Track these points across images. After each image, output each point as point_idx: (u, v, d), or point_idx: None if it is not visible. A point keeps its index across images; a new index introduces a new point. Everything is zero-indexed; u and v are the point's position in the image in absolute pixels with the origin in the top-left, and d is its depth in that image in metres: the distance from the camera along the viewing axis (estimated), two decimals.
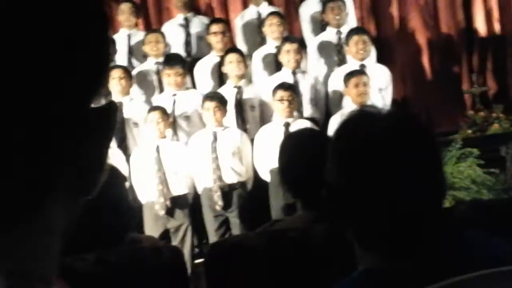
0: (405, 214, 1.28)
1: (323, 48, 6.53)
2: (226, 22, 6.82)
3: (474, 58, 7.68)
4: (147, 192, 5.54)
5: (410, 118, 1.36)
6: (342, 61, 6.39)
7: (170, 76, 6.06)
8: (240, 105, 6.04)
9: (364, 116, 1.37)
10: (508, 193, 5.00)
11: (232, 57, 6.07)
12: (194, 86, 6.49)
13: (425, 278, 1.25)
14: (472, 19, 7.73)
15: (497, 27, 7.66)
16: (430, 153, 1.33)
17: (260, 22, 6.93)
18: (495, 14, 7.67)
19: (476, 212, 2.09)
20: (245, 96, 6.08)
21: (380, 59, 6.59)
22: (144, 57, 6.82)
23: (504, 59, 7.66)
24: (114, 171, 2.27)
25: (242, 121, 6.02)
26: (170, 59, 6.26)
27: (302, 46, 6.21)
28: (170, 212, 5.51)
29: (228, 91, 6.01)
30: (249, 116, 6.06)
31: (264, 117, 6.04)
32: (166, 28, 7.16)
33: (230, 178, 5.56)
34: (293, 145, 2.37)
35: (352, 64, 6.11)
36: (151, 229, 5.45)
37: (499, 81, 7.44)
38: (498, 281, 1.16)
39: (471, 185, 5.29)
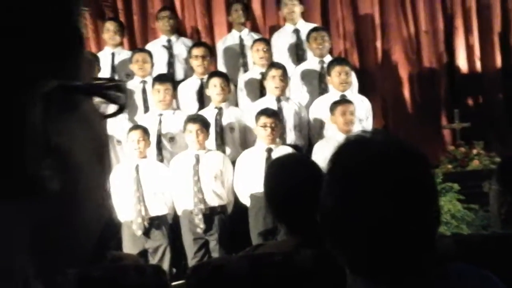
0: (398, 241, 1.27)
1: (305, 77, 6.58)
2: (207, 46, 6.86)
3: (455, 94, 7.76)
4: (126, 211, 5.49)
5: (405, 144, 1.36)
6: (324, 90, 6.43)
7: (160, 92, 6.08)
8: (220, 126, 6.04)
9: (360, 142, 1.37)
10: (486, 229, 5.02)
11: (216, 81, 6.09)
12: (177, 107, 6.48)
13: None
14: (453, 55, 7.83)
15: (478, 63, 7.77)
16: (425, 181, 1.33)
17: (241, 47, 6.99)
18: (476, 51, 7.78)
19: (460, 246, 2.09)
20: (225, 117, 6.09)
21: (362, 91, 6.64)
22: (127, 75, 6.82)
23: (484, 96, 7.76)
24: None
25: (221, 143, 6.02)
26: (161, 76, 6.34)
27: (286, 72, 6.25)
28: (148, 233, 5.48)
29: (209, 113, 6.03)
30: (228, 138, 6.07)
31: (245, 140, 6.05)
32: (149, 48, 7.18)
33: (212, 201, 5.54)
34: (279, 169, 2.36)
35: (333, 94, 6.14)
36: (129, 248, 5.39)
37: (479, 117, 7.51)
38: None
39: (451, 220, 5.30)
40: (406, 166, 1.30)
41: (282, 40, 7.06)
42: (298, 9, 7.05)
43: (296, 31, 6.98)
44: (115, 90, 0.60)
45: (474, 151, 6.36)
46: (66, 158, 0.55)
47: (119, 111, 0.61)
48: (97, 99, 0.60)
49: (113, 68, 7.00)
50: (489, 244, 2.15)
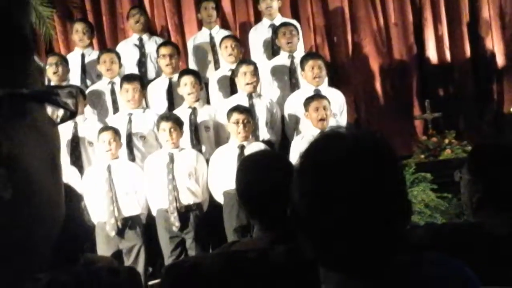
0: (368, 235, 1.27)
1: (276, 72, 6.58)
2: (174, 45, 6.83)
3: (426, 85, 7.82)
4: (99, 212, 5.47)
5: (374, 139, 1.36)
6: (295, 85, 6.44)
7: (128, 92, 6.05)
8: (195, 126, 6.02)
9: (330, 138, 1.37)
10: (460, 217, 5.07)
11: (186, 79, 6.07)
12: (147, 106, 6.44)
13: None
14: (423, 46, 7.89)
15: (447, 54, 7.83)
16: (393, 175, 1.33)
17: (212, 44, 6.97)
18: (446, 42, 7.84)
19: (432, 235, 2.10)
20: (199, 117, 6.07)
21: (334, 84, 6.66)
22: (98, 76, 6.78)
23: (454, 86, 7.82)
24: (69, 189, 2.22)
25: (197, 142, 6.00)
26: (129, 75, 6.30)
27: (257, 69, 6.24)
28: (122, 233, 5.45)
29: (183, 112, 6.00)
30: (204, 137, 6.05)
31: (219, 138, 6.04)
32: (121, 47, 7.14)
33: (187, 199, 5.52)
34: (252, 166, 2.35)
35: (306, 88, 6.15)
36: (103, 249, 5.38)
37: (449, 107, 7.58)
38: None
39: (425, 209, 5.35)
40: (374, 161, 1.30)
41: (258, 35, 7.08)
42: (275, 4, 7.05)
43: (273, 26, 6.97)
44: (65, 96, 0.60)
45: (446, 141, 6.42)
46: (17, 165, 0.55)
47: (71, 116, 0.61)
48: (49, 106, 0.59)
49: (83, 69, 6.95)
50: (461, 232, 2.17)
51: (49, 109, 0.60)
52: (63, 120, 0.61)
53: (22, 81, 0.57)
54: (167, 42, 6.99)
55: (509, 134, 6.79)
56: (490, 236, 2.09)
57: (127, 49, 7.08)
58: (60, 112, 0.60)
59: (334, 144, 1.33)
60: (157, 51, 6.67)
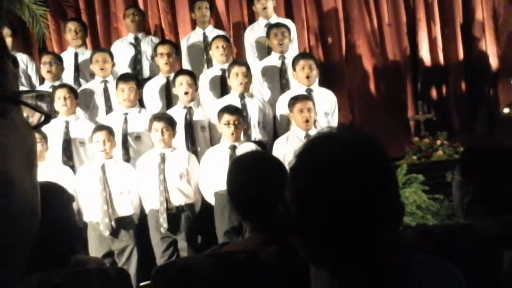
0: (356, 234, 1.28)
1: (267, 73, 6.58)
2: (173, 44, 6.82)
3: (419, 86, 7.84)
4: (92, 212, 5.45)
5: (365, 139, 1.36)
6: (285, 86, 6.44)
7: (124, 91, 6.04)
8: (190, 126, 6.01)
9: (323, 137, 1.38)
10: (451, 219, 5.08)
11: (182, 79, 6.05)
12: (142, 106, 6.43)
13: None
14: (417, 47, 7.90)
15: (440, 55, 7.85)
16: (383, 175, 1.34)
17: (205, 44, 6.97)
18: (439, 43, 7.86)
19: (423, 237, 2.10)
20: (195, 117, 6.06)
21: (328, 85, 6.65)
22: (91, 75, 6.77)
23: (447, 87, 7.84)
24: (60, 190, 2.21)
25: (192, 143, 5.98)
26: (125, 75, 6.28)
27: (249, 69, 6.23)
28: (115, 233, 5.43)
29: (177, 112, 5.98)
30: (200, 137, 6.04)
31: (215, 138, 6.02)
32: (116, 46, 7.14)
33: (178, 200, 5.51)
34: (242, 166, 2.35)
35: (298, 88, 6.14)
36: (96, 249, 5.36)
37: (442, 108, 7.61)
38: None
39: (416, 211, 5.35)
40: (363, 161, 1.31)
41: (254, 34, 7.07)
42: (271, 4, 7.07)
43: (268, 25, 6.95)
44: (39, 100, 0.60)
45: (438, 142, 6.43)
46: None
47: (46, 120, 0.61)
48: (25, 110, 0.60)
49: (77, 69, 6.94)
50: (452, 234, 2.17)
51: (24, 113, 0.60)
52: (39, 124, 0.62)
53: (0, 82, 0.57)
54: (165, 41, 6.98)
55: (502, 135, 6.80)
56: (480, 238, 2.09)
57: (122, 48, 7.08)
58: (35, 116, 0.61)
59: (326, 144, 1.34)
60: (155, 49, 6.65)
